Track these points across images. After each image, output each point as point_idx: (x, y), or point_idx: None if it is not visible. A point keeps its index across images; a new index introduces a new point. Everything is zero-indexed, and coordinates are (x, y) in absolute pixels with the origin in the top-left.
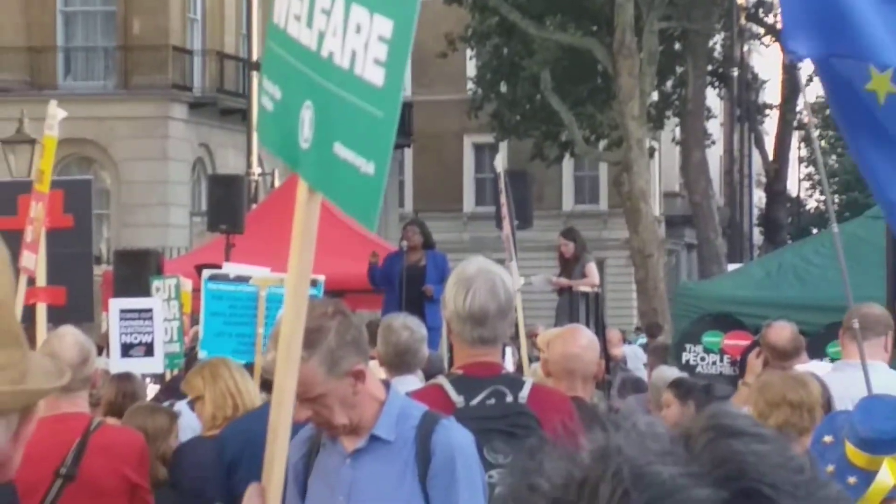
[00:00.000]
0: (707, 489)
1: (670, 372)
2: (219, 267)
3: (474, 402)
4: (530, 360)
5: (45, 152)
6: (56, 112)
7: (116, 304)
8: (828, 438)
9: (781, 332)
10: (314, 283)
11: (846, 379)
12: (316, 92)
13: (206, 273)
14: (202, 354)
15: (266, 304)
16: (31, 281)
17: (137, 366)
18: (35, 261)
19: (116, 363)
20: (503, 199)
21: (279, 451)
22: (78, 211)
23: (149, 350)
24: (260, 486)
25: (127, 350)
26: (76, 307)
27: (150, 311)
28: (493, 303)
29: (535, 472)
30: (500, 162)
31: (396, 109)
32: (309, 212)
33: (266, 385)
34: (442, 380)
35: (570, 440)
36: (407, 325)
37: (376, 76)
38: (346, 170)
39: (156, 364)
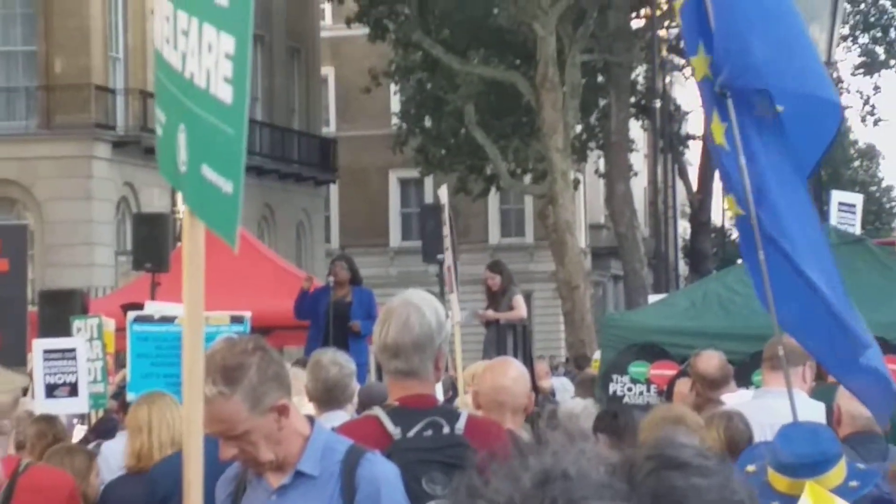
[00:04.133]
0: None
1: (574, 403)
2: (141, 307)
3: (411, 433)
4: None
5: None
6: None
7: (40, 345)
8: (750, 468)
9: (710, 360)
10: (240, 320)
11: (766, 406)
12: (185, 114)
13: (130, 315)
14: (130, 397)
15: None
16: None
17: (62, 406)
18: None
19: (41, 404)
20: (446, 231)
21: (194, 477)
22: (13, 255)
23: (73, 390)
24: None
25: (51, 391)
26: (9, 350)
27: (73, 350)
28: (407, 336)
29: (479, 493)
30: (444, 193)
31: (244, 126)
32: (194, 236)
33: None
34: (378, 411)
35: (517, 459)
36: (336, 361)
37: (226, 93)
38: (212, 191)
39: (80, 404)
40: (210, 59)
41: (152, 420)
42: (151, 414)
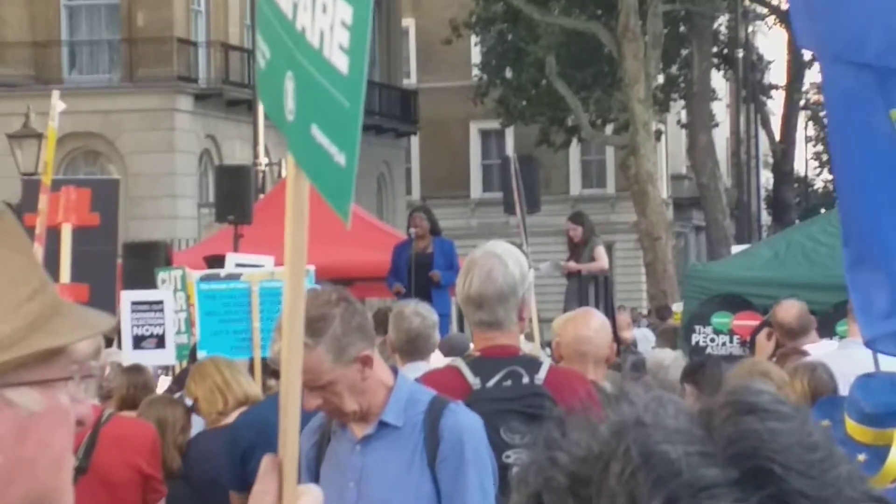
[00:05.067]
0: (716, 469)
1: (664, 355)
2: (223, 259)
3: (490, 383)
4: (544, 346)
5: (48, 143)
6: (56, 103)
7: (128, 297)
8: (825, 423)
9: (790, 309)
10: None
11: (852, 357)
12: (295, 65)
13: (195, 275)
14: (201, 354)
15: (259, 298)
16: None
17: (149, 357)
18: (41, 253)
19: (129, 355)
20: (514, 185)
21: (291, 426)
22: (104, 210)
23: (160, 342)
24: (276, 457)
25: (139, 342)
26: (99, 304)
27: (161, 303)
28: (490, 287)
29: (557, 445)
30: (512, 148)
31: (361, 101)
32: (298, 186)
33: (277, 376)
34: (458, 362)
35: (594, 412)
36: (418, 312)
37: (341, 63)
38: (322, 155)
39: (167, 356)
40: (325, 21)
41: (197, 392)
42: (196, 387)
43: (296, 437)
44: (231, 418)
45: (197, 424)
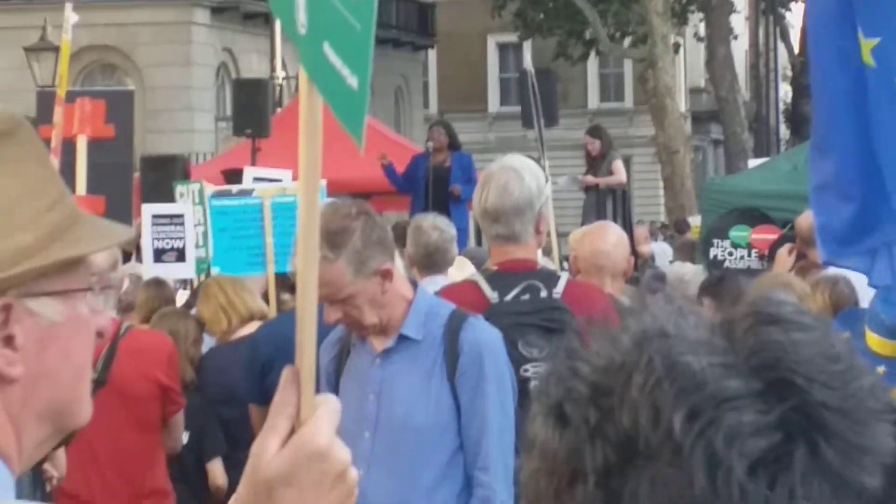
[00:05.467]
0: (739, 380)
1: (684, 269)
2: (241, 172)
3: (508, 297)
4: (563, 260)
5: (62, 56)
6: (70, 15)
7: (149, 210)
8: (845, 335)
9: (808, 217)
10: None
11: None
12: None
13: (207, 191)
14: (215, 271)
15: (272, 213)
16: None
17: (170, 271)
18: (57, 166)
19: (149, 268)
20: (532, 99)
21: (307, 339)
22: (119, 122)
23: (181, 255)
24: (295, 368)
25: (159, 255)
26: (114, 216)
27: (181, 216)
28: (507, 200)
29: (578, 355)
30: (530, 61)
31: (372, 24)
32: (311, 101)
33: (294, 290)
34: (477, 276)
35: (616, 323)
36: (436, 226)
37: None
38: (334, 75)
39: (188, 269)
40: None
41: (204, 312)
42: (203, 307)
43: (312, 348)
44: (239, 334)
45: (208, 341)
